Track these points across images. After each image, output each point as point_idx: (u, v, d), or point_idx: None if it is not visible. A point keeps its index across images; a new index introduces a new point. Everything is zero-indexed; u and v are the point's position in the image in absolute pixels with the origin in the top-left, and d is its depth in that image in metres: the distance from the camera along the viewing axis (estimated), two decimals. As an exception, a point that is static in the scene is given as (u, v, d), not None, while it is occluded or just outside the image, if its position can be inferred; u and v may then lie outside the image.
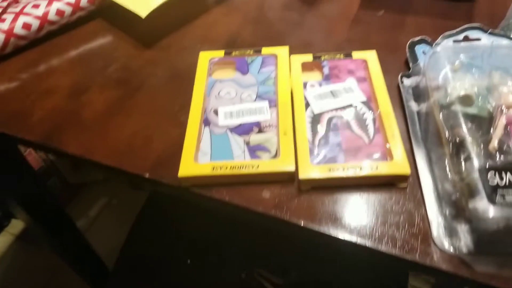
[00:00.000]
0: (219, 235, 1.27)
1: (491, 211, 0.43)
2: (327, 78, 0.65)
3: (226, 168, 0.54)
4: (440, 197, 0.51)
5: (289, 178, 0.55)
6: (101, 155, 0.59)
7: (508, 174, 0.45)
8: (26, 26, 0.75)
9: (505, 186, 0.44)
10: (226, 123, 0.60)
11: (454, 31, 0.69)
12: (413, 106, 0.61)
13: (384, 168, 0.52)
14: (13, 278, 1.68)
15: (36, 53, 0.78)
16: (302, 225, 0.51)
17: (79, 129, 0.63)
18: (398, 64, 0.70)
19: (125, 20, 0.81)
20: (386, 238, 0.48)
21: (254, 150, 0.56)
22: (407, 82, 0.64)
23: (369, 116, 0.59)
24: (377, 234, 0.49)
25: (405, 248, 0.47)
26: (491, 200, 0.43)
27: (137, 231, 1.31)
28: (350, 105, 0.60)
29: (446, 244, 0.47)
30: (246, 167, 0.54)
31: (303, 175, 0.53)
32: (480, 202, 0.44)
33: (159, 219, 1.33)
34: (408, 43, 0.69)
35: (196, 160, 0.56)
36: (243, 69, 0.68)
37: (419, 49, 0.69)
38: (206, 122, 0.60)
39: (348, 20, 0.80)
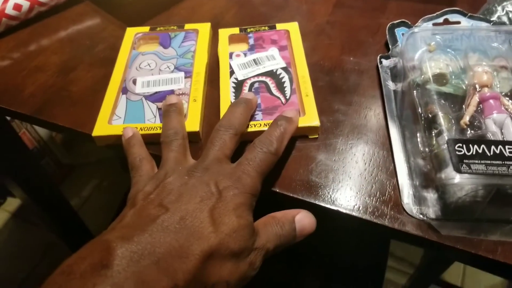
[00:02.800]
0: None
1: (456, 178, 0.45)
2: (252, 48, 0.69)
3: (136, 129, 0.58)
4: (411, 170, 0.53)
5: (196, 138, 0.59)
6: (89, 128, 0.60)
7: (476, 146, 0.47)
8: (17, 7, 0.77)
9: (471, 157, 0.46)
10: (143, 91, 0.63)
11: (434, 14, 0.70)
12: (390, 85, 0.63)
13: None
14: (8, 254, 1.72)
15: (27, 33, 0.80)
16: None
17: (68, 103, 0.65)
18: (378, 46, 0.72)
19: (112, 2, 0.84)
20: (357, 205, 0.51)
21: None
22: (386, 63, 0.66)
23: (287, 79, 0.63)
24: (349, 201, 0.51)
25: (375, 213, 0.49)
26: (457, 169, 0.45)
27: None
28: (271, 71, 0.65)
29: (415, 210, 0.49)
30: (154, 129, 0.58)
31: None
32: (448, 171, 0.46)
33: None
34: (388, 25, 0.71)
35: (110, 123, 0.59)
36: (166, 43, 0.72)
37: (399, 32, 0.71)
38: (124, 90, 0.64)
39: (330, 4, 0.82)
